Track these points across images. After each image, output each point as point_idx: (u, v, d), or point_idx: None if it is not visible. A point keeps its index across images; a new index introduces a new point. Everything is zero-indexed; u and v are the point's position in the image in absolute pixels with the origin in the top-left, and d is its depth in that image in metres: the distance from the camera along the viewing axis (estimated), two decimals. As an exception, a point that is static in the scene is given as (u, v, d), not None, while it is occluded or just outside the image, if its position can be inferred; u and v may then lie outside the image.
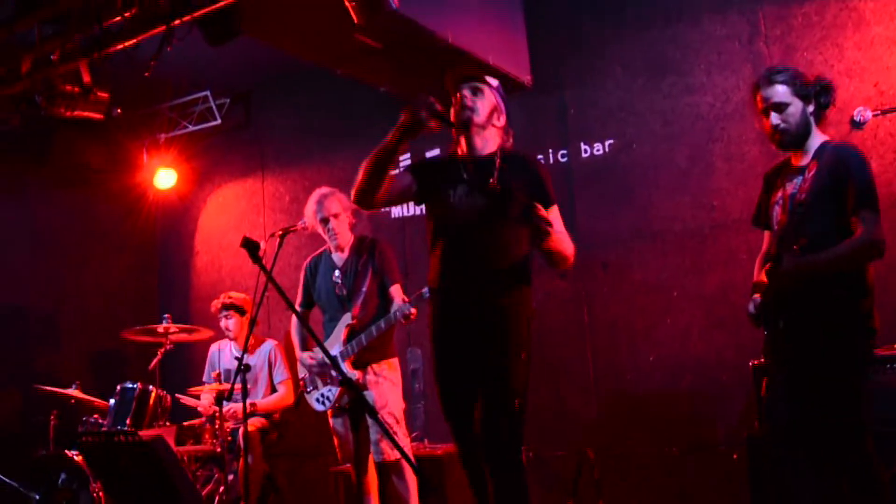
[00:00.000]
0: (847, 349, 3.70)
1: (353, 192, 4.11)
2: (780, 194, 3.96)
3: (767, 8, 6.08)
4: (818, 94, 3.88)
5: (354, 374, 5.36)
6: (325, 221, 5.62)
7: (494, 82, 4.25)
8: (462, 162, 4.17)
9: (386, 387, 5.45)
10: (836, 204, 3.73)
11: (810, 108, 3.88)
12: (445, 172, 4.20)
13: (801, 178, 3.83)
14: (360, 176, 4.06)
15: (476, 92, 4.15)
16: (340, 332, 5.46)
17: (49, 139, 8.03)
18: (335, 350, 5.42)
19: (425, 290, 4.74)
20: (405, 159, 7.03)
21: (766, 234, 4.17)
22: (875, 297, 3.78)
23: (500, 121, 4.22)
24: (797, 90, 3.86)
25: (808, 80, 3.89)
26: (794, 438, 3.85)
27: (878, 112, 5.56)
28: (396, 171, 4.35)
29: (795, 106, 3.85)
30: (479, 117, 4.13)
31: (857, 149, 3.87)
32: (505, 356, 3.92)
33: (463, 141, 4.21)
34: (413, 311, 5.14)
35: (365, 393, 5.39)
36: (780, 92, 3.85)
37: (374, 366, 5.46)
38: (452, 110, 4.14)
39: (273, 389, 6.85)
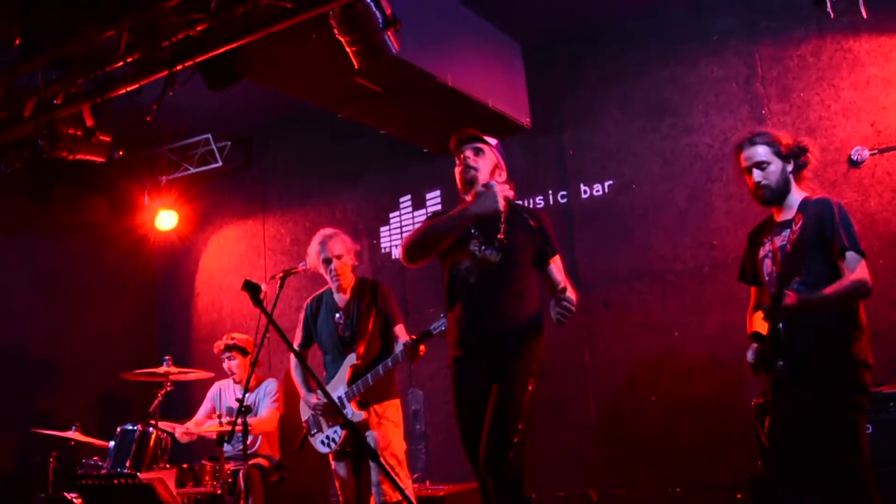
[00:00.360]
0: (844, 385, 3.86)
1: (406, 248, 4.34)
2: (767, 248, 4.18)
3: (764, 50, 6.14)
4: (796, 155, 4.14)
5: (361, 415, 5.35)
6: (327, 262, 5.64)
7: (493, 141, 4.48)
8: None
9: (388, 428, 5.43)
10: (824, 251, 3.95)
11: (789, 168, 4.14)
12: None
13: (788, 230, 4.01)
14: (418, 237, 4.34)
15: (478, 152, 4.40)
16: (345, 372, 5.46)
17: (51, 184, 8.08)
18: (340, 391, 5.42)
19: (434, 325, 4.85)
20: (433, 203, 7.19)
21: (753, 289, 4.39)
22: (868, 333, 3.96)
23: (502, 177, 4.45)
24: (776, 151, 4.12)
25: (787, 142, 4.15)
26: (797, 479, 3.89)
27: (875, 151, 5.65)
28: None
29: (776, 165, 4.11)
30: (482, 175, 4.36)
31: (836, 199, 4.08)
32: (513, 383, 4.09)
33: (469, 198, 4.39)
34: (421, 347, 5.16)
35: (367, 434, 5.38)
36: (761, 152, 4.12)
37: (376, 406, 5.45)
38: (457, 170, 4.41)
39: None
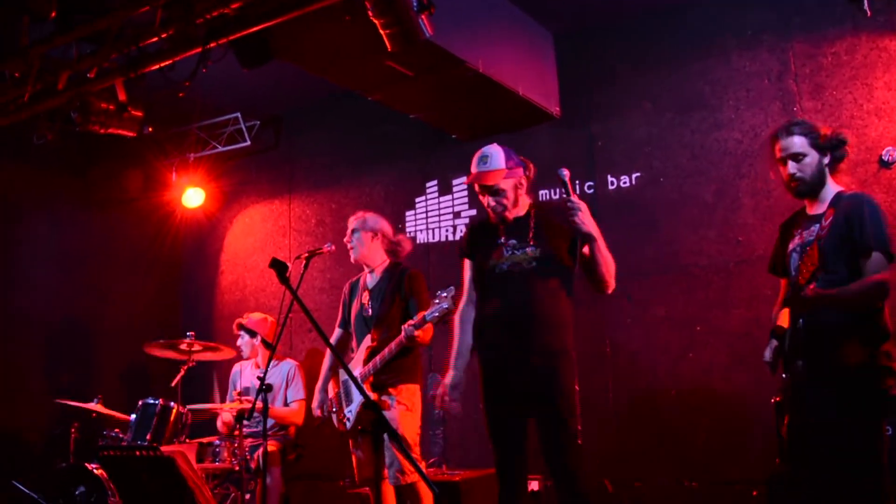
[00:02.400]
0: (864, 388, 3.77)
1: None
2: (797, 241, 4.09)
3: (797, 46, 6.10)
4: (834, 146, 4.03)
5: (371, 396, 5.39)
6: (353, 232, 5.83)
7: (504, 163, 4.51)
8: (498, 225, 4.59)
9: (399, 411, 5.46)
10: (852, 249, 3.84)
11: (826, 160, 4.03)
12: (486, 238, 4.63)
13: (817, 225, 3.92)
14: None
15: (498, 194, 4.50)
16: (362, 353, 5.51)
17: (85, 159, 8.14)
18: (357, 372, 5.47)
19: (426, 313, 4.94)
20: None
21: (782, 281, 4.31)
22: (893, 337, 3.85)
23: (524, 187, 4.59)
24: (813, 142, 4.01)
25: (824, 133, 4.03)
26: (813, 479, 3.87)
27: (907, 152, 5.57)
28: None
29: (812, 157, 4.00)
30: (510, 206, 4.53)
31: (870, 196, 4.00)
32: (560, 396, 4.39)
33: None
34: (419, 333, 5.16)
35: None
36: (798, 143, 4.01)
37: (391, 389, 5.48)
38: (483, 203, 4.59)
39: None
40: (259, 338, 7.00)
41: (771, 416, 4.90)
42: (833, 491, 3.81)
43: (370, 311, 5.66)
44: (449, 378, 4.59)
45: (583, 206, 4.21)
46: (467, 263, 4.73)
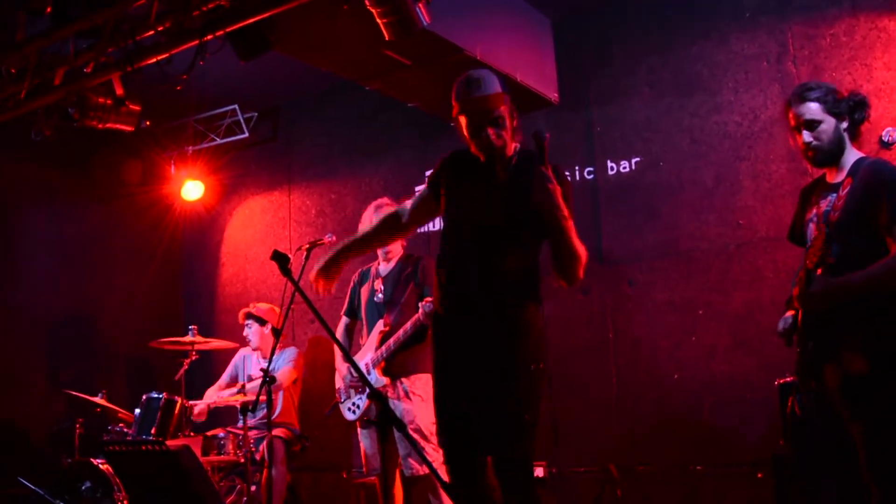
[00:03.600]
0: (880, 372, 3.58)
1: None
2: (814, 211, 3.89)
3: (796, 27, 6.08)
4: (852, 109, 3.80)
5: (383, 381, 5.41)
6: None
7: (500, 85, 3.78)
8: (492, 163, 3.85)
9: (415, 401, 5.47)
10: (870, 222, 3.63)
11: (844, 125, 3.80)
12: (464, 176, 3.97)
13: (834, 195, 3.76)
14: None
15: (498, 123, 3.73)
16: (374, 339, 5.53)
17: (83, 152, 8.13)
18: (368, 357, 5.49)
19: None
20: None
21: (802, 250, 4.04)
22: None
23: (516, 119, 3.84)
24: (830, 107, 3.77)
25: (841, 95, 3.82)
26: (824, 460, 3.88)
27: (907, 132, 5.55)
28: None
29: (828, 123, 3.77)
30: (508, 140, 3.79)
31: (894, 165, 3.79)
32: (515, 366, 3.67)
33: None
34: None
35: (394, 404, 5.43)
36: (813, 109, 3.78)
37: (405, 379, 5.50)
38: (473, 144, 3.81)
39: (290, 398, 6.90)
40: (269, 326, 7.01)
41: (775, 398, 4.93)
42: (842, 471, 3.80)
43: (382, 296, 5.67)
44: None
45: (554, 182, 3.51)
46: (425, 193, 4.11)
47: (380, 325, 5.54)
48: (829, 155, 3.81)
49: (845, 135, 3.81)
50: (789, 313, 3.96)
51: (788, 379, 4.54)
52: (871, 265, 3.57)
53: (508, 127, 3.74)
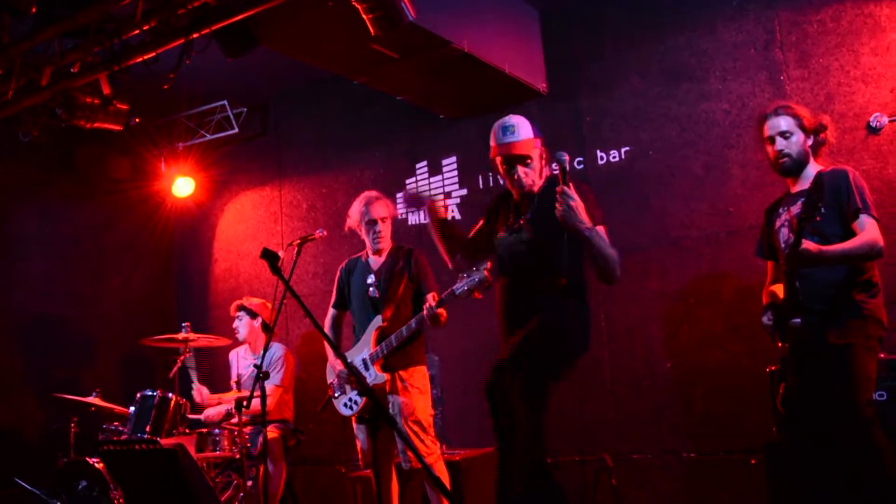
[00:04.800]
0: (860, 333, 4.06)
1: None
2: (784, 217, 4.40)
3: (783, 14, 6.08)
4: (816, 131, 4.37)
5: (383, 377, 5.42)
6: (372, 224, 5.71)
7: (532, 131, 4.42)
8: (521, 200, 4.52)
9: (413, 394, 5.48)
10: (840, 214, 4.14)
11: (809, 142, 4.36)
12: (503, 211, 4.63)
13: (802, 199, 4.07)
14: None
15: (528, 164, 4.40)
16: (370, 334, 5.52)
17: (72, 151, 8.12)
18: (365, 353, 5.50)
19: (457, 286, 4.89)
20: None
21: (769, 264, 4.59)
22: (884, 295, 4.20)
23: (545, 159, 4.51)
24: (799, 123, 4.34)
25: (809, 117, 4.38)
26: (811, 443, 4.09)
27: (895, 117, 5.60)
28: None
29: (798, 136, 4.34)
30: (537, 178, 4.45)
31: (851, 168, 4.29)
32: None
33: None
34: (442, 311, 5.22)
35: (393, 398, 5.45)
36: (784, 123, 4.35)
37: (402, 372, 5.50)
38: (508, 182, 4.48)
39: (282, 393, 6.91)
40: (260, 319, 7.02)
41: (767, 385, 4.96)
42: (829, 452, 4.02)
43: (377, 292, 5.65)
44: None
45: (575, 197, 4.01)
46: (481, 223, 4.78)
47: (378, 321, 5.52)
48: (797, 164, 4.37)
49: (809, 150, 4.38)
50: (771, 311, 4.33)
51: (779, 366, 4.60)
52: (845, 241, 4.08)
53: (537, 167, 4.42)
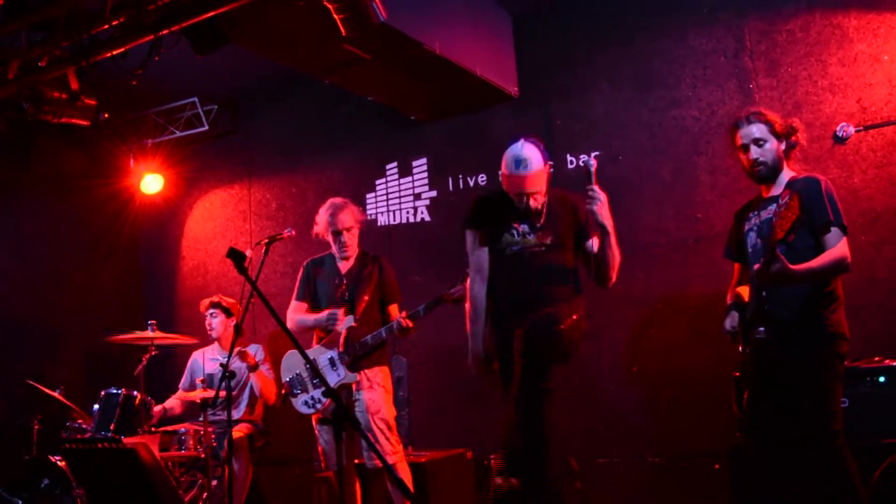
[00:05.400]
0: (822, 351, 4.07)
1: None
2: (754, 221, 4.36)
3: (753, 23, 6.13)
4: (788, 135, 4.30)
5: (354, 377, 5.43)
6: (338, 234, 5.69)
7: (542, 162, 4.52)
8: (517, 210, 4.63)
9: (379, 393, 5.51)
10: (810, 225, 4.08)
11: (782, 146, 4.30)
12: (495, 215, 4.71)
13: (775, 205, 4.07)
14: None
15: (536, 193, 4.52)
16: (339, 335, 5.51)
17: (30, 145, 8.01)
18: (332, 352, 5.49)
19: (421, 307, 5.17)
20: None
21: (736, 266, 4.60)
22: (845, 306, 4.17)
23: (549, 179, 4.63)
24: (771, 129, 4.27)
25: (780, 122, 4.32)
26: (773, 448, 4.13)
27: (861, 128, 5.66)
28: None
29: (771, 142, 4.28)
30: (541, 199, 4.57)
31: (823, 177, 4.25)
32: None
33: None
34: (410, 324, 5.27)
35: (359, 395, 5.46)
36: (757, 131, 4.28)
37: (367, 371, 5.54)
38: (515, 203, 4.55)
39: (254, 394, 6.88)
40: (234, 320, 6.97)
41: (731, 391, 4.99)
42: (792, 458, 4.07)
43: (347, 294, 5.65)
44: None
45: (603, 196, 4.35)
46: (470, 236, 4.75)
47: (349, 321, 5.53)
48: (772, 171, 4.31)
49: (782, 156, 4.33)
50: (735, 314, 4.35)
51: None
52: (812, 258, 4.05)
53: (543, 191, 4.55)
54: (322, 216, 5.79)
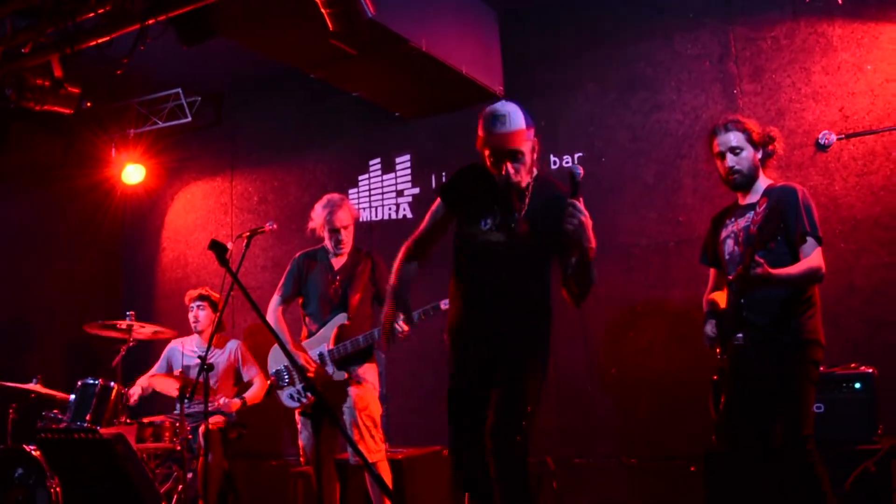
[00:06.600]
0: (798, 357, 4.13)
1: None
2: (731, 228, 4.41)
3: (738, 29, 6.16)
4: (765, 143, 4.35)
5: (342, 375, 5.43)
6: (335, 232, 5.68)
7: (524, 121, 3.94)
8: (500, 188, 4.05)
9: (367, 388, 5.53)
10: (786, 233, 4.11)
11: (759, 155, 4.35)
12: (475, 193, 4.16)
13: (752, 213, 4.22)
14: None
15: (517, 159, 3.91)
16: (330, 330, 5.52)
17: (17, 133, 7.95)
18: (321, 348, 5.50)
19: (418, 311, 5.07)
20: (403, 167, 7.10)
21: (712, 271, 4.62)
22: (822, 313, 4.25)
23: (537, 150, 4.05)
24: (748, 138, 4.31)
25: (758, 130, 4.35)
26: (747, 451, 4.21)
27: (843, 136, 5.71)
28: None
29: (748, 151, 4.32)
30: (525, 172, 3.98)
31: (800, 186, 4.29)
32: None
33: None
34: (405, 328, 5.19)
35: (347, 390, 5.46)
36: (734, 139, 4.32)
37: (357, 368, 5.54)
38: (495, 173, 3.97)
39: (237, 387, 6.86)
40: (218, 314, 6.95)
41: (708, 394, 5.03)
42: (765, 461, 4.15)
43: (340, 290, 5.65)
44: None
45: (585, 213, 3.67)
46: (439, 205, 4.25)
47: (342, 318, 5.53)
48: (748, 178, 4.35)
49: (759, 164, 4.37)
50: (713, 320, 4.39)
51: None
52: (788, 266, 4.09)
53: (528, 161, 3.94)
54: (319, 212, 5.77)
